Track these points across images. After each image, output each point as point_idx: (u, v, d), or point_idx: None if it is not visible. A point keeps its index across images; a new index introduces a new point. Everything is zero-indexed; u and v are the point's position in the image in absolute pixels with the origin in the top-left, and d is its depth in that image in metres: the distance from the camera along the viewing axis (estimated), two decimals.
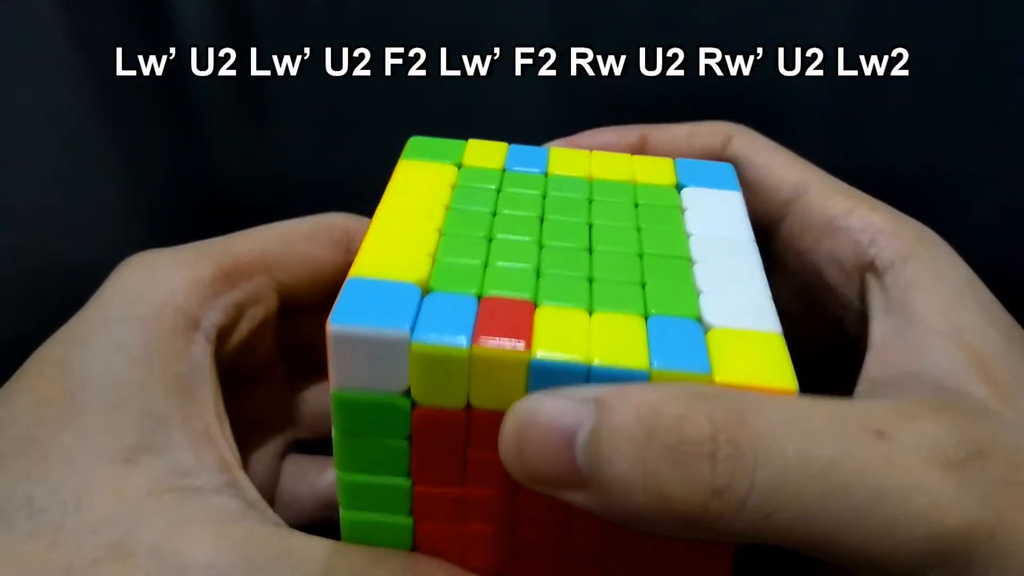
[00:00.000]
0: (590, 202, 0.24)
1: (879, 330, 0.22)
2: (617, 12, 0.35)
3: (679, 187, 0.25)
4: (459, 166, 0.25)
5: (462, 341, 0.18)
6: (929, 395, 0.19)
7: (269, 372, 0.29)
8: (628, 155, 0.26)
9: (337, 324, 0.18)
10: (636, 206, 0.24)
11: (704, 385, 0.17)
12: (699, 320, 0.19)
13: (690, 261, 0.21)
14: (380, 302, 0.19)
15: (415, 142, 0.26)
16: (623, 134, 0.27)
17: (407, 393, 0.19)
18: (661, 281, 0.21)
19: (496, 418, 0.18)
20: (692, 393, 0.17)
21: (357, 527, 0.21)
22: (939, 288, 0.21)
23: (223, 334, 0.24)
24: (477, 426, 0.19)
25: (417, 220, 0.22)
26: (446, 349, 0.18)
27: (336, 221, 0.27)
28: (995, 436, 0.18)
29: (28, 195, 0.30)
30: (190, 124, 0.35)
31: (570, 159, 0.26)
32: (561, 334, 0.18)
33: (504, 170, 0.25)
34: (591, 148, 0.27)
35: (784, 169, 0.25)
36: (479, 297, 0.19)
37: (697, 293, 0.20)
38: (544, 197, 0.24)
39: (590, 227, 0.23)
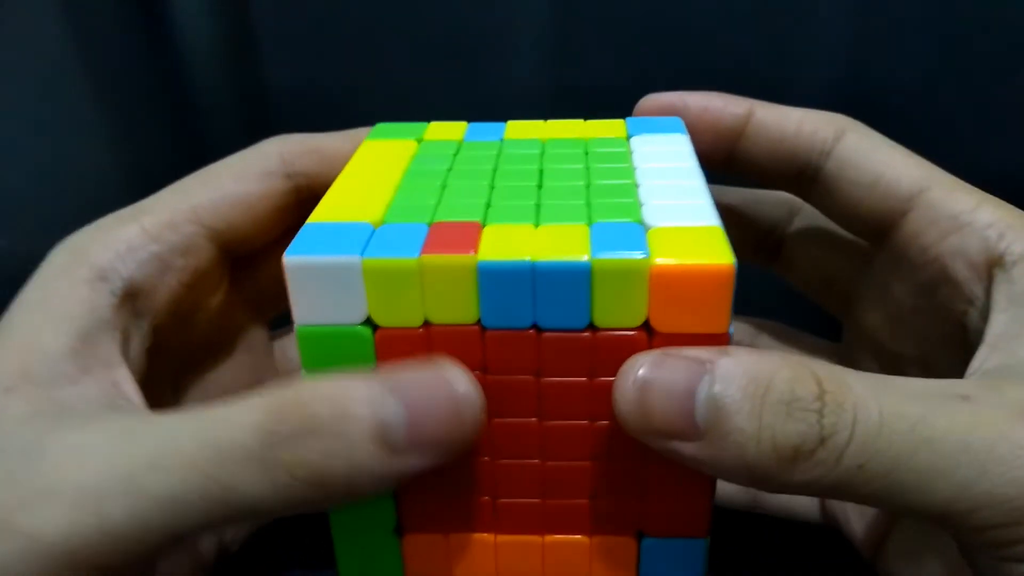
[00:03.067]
0: (542, 154, 0.25)
1: (997, 323, 0.22)
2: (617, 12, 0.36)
3: (628, 137, 0.26)
4: (420, 141, 0.26)
5: (412, 253, 0.19)
6: None
7: (239, 331, 0.29)
8: (581, 120, 0.27)
9: (292, 257, 0.19)
10: (586, 153, 0.25)
11: (810, 358, 0.19)
12: (640, 223, 0.20)
13: (635, 185, 0.22)
14: (334, 237, 0.20)
15: (380, 127, 0.27)
16: (731, 101, 0.27)
17: (368, 322, 0.19)
18: (606, 200, 0.21)
19: (455, 334, 0.19)
20: (799, 360, 0.19)
21: None
22: None
23: (149, 290, 0.24)
24: (439, 345, 0.19)
25: (375, 179, 0.23)
26: (397, 262, 0.19)
27: (269, 148, 0.27)
28: None
29: (28, 196, 0.31)
30: (193, 129, 0.36)
31: (526, 127, 0.27)
32: (507, 243, 0.19)
33: (463, 141, 0.26)
34: (698, 106, 0.26)
35: (905, 165, 0.24)
36: (429, 224, 0.20)
37: (640, 205, 0.21)
38: (498, 154, 0.25)
39: (540, 171, 0.23)
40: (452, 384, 0.19)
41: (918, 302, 0.25)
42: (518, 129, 0.27)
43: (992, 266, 0.22)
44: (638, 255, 0.18)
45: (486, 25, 0.35)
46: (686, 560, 0.22)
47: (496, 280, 0.19)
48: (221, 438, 0.18)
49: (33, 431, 0.19)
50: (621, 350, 0.19)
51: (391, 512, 0.22)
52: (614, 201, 0.21)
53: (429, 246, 0.19)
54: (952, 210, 0.23)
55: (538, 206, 0.21)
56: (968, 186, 0.24)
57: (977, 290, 0.22)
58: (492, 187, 0.22)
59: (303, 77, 0.36)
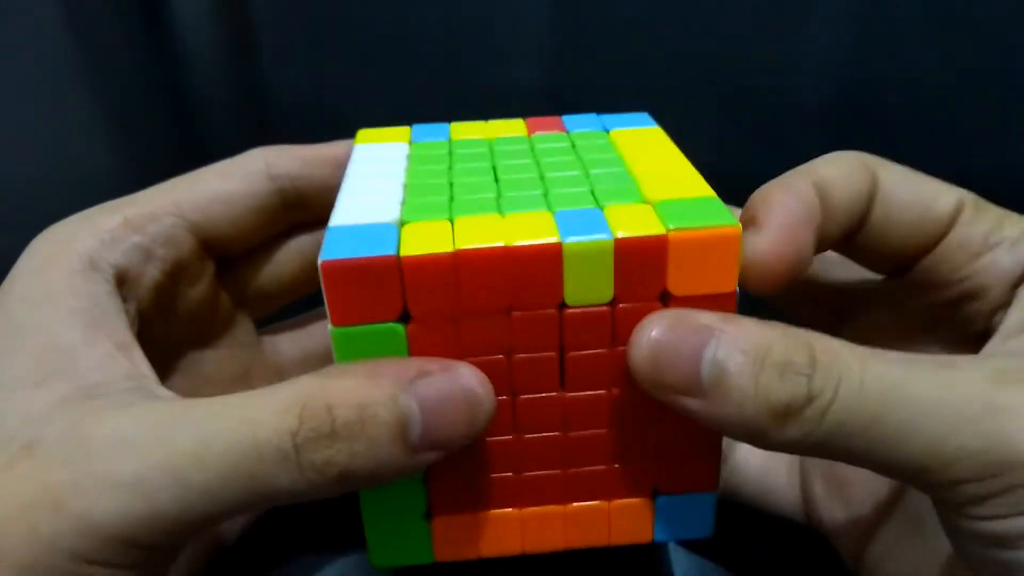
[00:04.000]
0: (532, 149, 0.26)
1: (1012, 317, 0.23)
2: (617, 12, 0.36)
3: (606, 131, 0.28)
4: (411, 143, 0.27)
5: (446, 247, 0.20)
6: None
7: (224, 325, 0.29)
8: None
9: (329, 259, 0.20)
10: (573, 146, 0.26)
11: (804, 331, 0.20)
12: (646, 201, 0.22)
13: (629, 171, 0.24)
14: (363, 238, 0.20)
15: (363, 132, 0.28)
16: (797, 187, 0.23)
17: (401, 318, 0.20)
18: (609, 186, 0.23)
19: (485, 320, 0.21)
20: (793, 329, 0.20)
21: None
22: None
23: (133, 277, 0.25)
24: (467, 331, 0.21)
25: (380, 182, 0.24)
26: (434, 256, 0.20)
27: (253, 154, 0.28)
28: None
29: (28, 196, 0.30)
30: (193, 128, 0.36)
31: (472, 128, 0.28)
32: (525, 229, 0.21)
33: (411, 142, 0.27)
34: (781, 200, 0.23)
35: (937, 188, 0.24)
36: (451, 220, 0.21)
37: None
38: (491, 152, 0.26)
39: (537, 164, 0.25)
40: (465, 384, 0.21)
41: (938, 317, 0.25)
42: (466, 129, 0.28)
43: (1020, 283, 0.23)
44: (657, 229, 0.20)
45: (485, 28, 0.35)
46: (697, 513, 0.24)
47: (526, 261, 0.20)
48: (258, 440, 0.19)
49: (71, 419, 0.20)
50: (640, 319, 0.21)
51: (422, 497, 0.23)
52: (615, 186, 0.23)
53: (460, 240, 0.20)
54: (981, 228, 0.24)
55: (545, 194, 0.23)
56: (985, 202, 0.25)
57: (1007, 300, 0.24)
58: (497, 180, 0.24)
59: (303, 78, 0.36)
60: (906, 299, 0.26)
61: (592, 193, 0.23)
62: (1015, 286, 0.24)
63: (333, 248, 0.20)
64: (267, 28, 0.36)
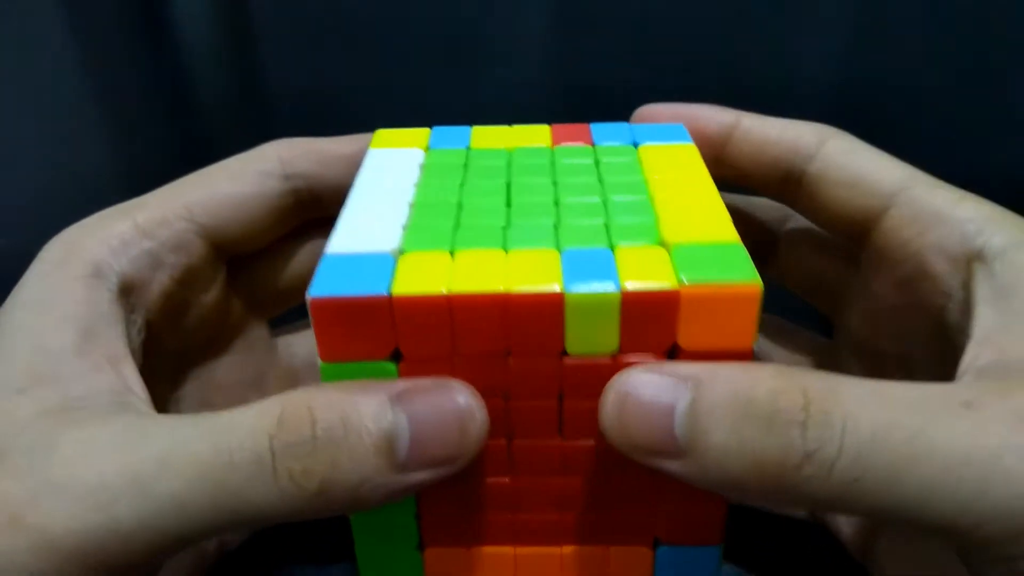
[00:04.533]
0: (552, 164, 0.24)
1: (984, 317, 0.21)
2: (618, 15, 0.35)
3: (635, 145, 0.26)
4: (427, 150, 0.26)
5: (439, 288, 0.19)
6: None
7: (237, 329, 0.29)
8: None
9: (317, 295, 0.19)
10: (597, 163, 0.24)
11: (795, 368, 0.19)
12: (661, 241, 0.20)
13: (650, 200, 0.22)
14: (356, 271, 0.19)
15: (381, 134, 0.27)
16: (719, 111, 0.27)
17: (392, 356, 0.19)
18: (625, 218, 0.21)
19: (480, 363, 0.19)
20: (790, 370, 0.18)
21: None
22: None
23: (142, 285, 0.24)
24: (462, 374, 0.20)
25: (387, 199, 0.23)
26: (426, 297, 0.19)
27: (268, 151, 0.27)
28: None
29: (28, 196, 0.30)
30: (193, 129, 0.35)
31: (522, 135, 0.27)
32: (529, 271, 0.19)
33: (470, 150, 0.26)
34: (688, 116, 0.27)
35: (887, 166, 0.25)
36: (452, 253, 0.20)
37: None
38: (509, 165, 0.25)
39: (554, 184, 0.23)
40: (457, 400, 0.19)
41: (898, 299, 0.25)
42: (523, 136, 0.26)
43: (971, 260, 0.22)
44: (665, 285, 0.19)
45: (488, 26, 0.34)
46: (701, 565, 0.23)
47: (524, 310, 0.19)
48: (230, 443, 0.18)
49: (44, 429, 0.20)
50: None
51: (414, 529, 0.22)
52: (633, 221, 0.21)
53: (457, 281, 0.19)
54: (932, 206, 0.23)
55: (556, 226, 0.21)
56: (948, 185, 0.24)
57: (955, 284, 0.22)
58: (510, 203, 0.22)
59: (304, 77, 0.35)
60: (873, 278, 0.25)
61: (607, 227, 0.21)
62: (964, 270, 0.22)
63: (323, 283, 0.19)
64: (267, 24, 0.35)
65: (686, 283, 0.19)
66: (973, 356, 0.21)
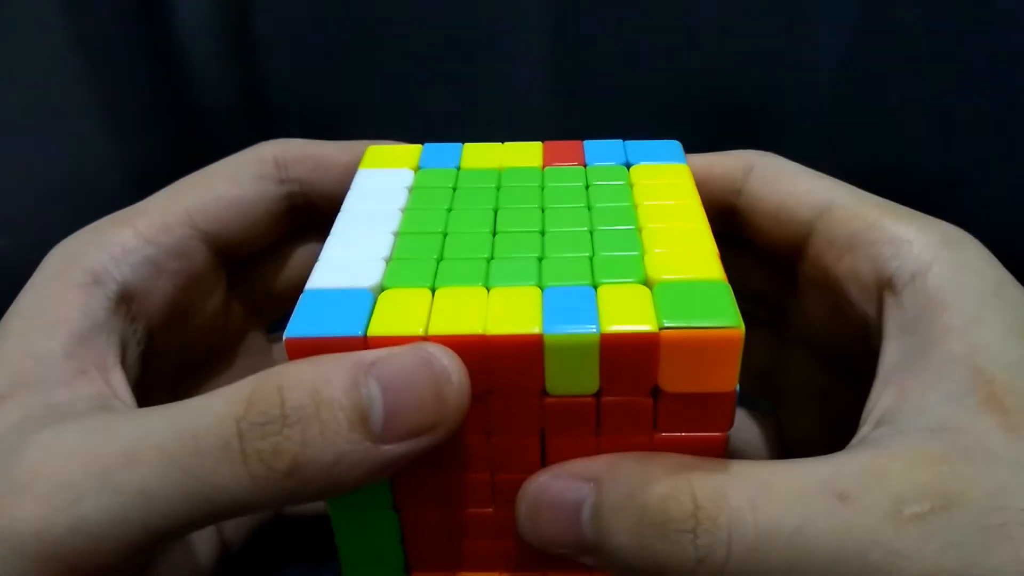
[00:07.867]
0: (542, 189, 0.24)
1: (889, 354, 0.21)
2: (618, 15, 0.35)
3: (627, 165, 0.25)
4: (416, 170, 0.25)
5: (417, 329, 0.19)
6: (921, 438, 0.19)
7: (237, 334, 0.29)
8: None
9: (293, 336, 0.19)
10: (587, 187, 0.24)
11: (690, 458, 0.19)
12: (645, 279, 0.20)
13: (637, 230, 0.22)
14: (334, 309, 0.19)
15: (372, 151, 0.26)
16: None
17: None
18: (610, 252, 0.21)
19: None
20: (678, 467, 0.19)
21: (345, 524, 0.22)
22: (959, 302, 0.20)
23: (143, 293, 0.24)
24: None
25: (371, 228, 0.22)
26: (402, 339, 0.19)
27: (265, 152, 0.27)
28: (973, 481, 0.18)
29: (28, 196, 0.31)
30: (193, 129, 0.35)
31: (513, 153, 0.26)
32: (511, 311, 0.19)
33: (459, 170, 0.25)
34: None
35: (807, 188, 0.24)
36: (432, 290, 0.20)
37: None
38: (498, 189, 0.24)
39: (542, 210, 0.23)
40: (431, 363, 0.18)
41: (830, 321, 0.24)
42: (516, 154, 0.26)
43: (882, 288, 0.22)
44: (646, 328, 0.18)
45: (487, 28, 0.33)
46: None
47: (503, 351, 0.19)
48: (196, 429, 0.18)
49: (20, 434, 0.19)
50: (626, 412, 0.19)
51: (400, 553, 0.22)
52: (618, 255, 0.21)
53: (435, 321, 0.19)
54: (848, 230, 0.23)
55: (540, 259, 0.21)
56: (875, 200, 0.23)
57: (872, 312, 0.22)
58: (495, 233, 0.22)
59: (304, 78, 0.35)
60: (807, 298, 0.25)
61: (591, 262, 0.21)
62: (876, 299, 0.22)
63: (301, 322, 0.19)
64: (267, 24, 0.34)
65: (667, 326, 0.18)
66: (876, 396, 0.21)
